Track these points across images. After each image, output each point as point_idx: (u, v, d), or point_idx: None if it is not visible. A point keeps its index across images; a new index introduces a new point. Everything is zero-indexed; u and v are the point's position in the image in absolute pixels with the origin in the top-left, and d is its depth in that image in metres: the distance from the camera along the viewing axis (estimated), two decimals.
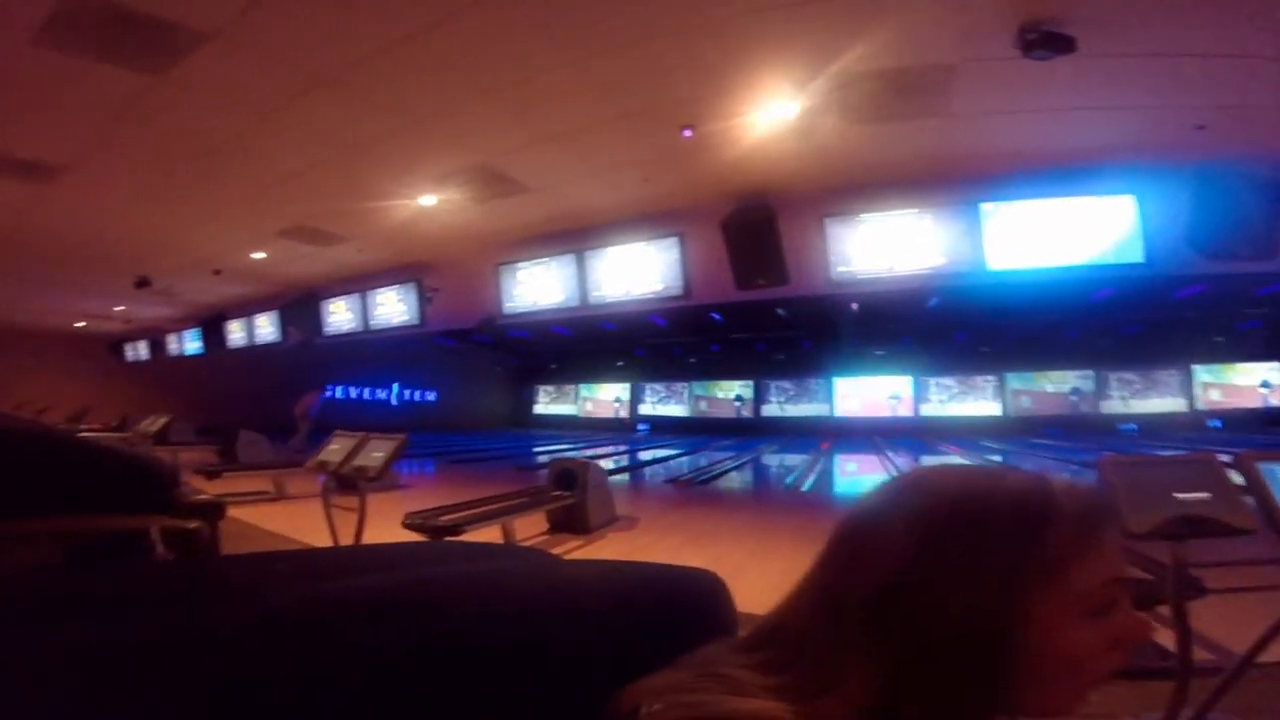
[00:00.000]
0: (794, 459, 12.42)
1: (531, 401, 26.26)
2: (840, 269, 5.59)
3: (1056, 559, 0.48)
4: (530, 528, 5.05)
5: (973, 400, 19.96)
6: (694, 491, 8.30)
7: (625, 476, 10.16)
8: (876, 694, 0.46)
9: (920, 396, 20.38)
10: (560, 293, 6.98)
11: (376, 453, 3.43)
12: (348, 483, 3.56)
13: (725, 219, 5.76)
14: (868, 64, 3.72)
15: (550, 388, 26.07)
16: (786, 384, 21.94)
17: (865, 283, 5.62)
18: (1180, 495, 1.78)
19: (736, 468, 11.22)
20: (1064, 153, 4.89)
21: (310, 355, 11.14)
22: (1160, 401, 18.55)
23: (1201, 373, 18.17)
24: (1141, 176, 5.05)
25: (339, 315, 9.11)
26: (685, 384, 23.21)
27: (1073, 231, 5.18)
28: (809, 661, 0.49)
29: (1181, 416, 17.90)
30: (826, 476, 10.32)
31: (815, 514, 6.65)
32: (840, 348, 18.91)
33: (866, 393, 20.94)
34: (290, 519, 5.47)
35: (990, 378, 19.70)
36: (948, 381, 20.19)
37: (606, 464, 10.22)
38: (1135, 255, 5.06)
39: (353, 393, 20.25)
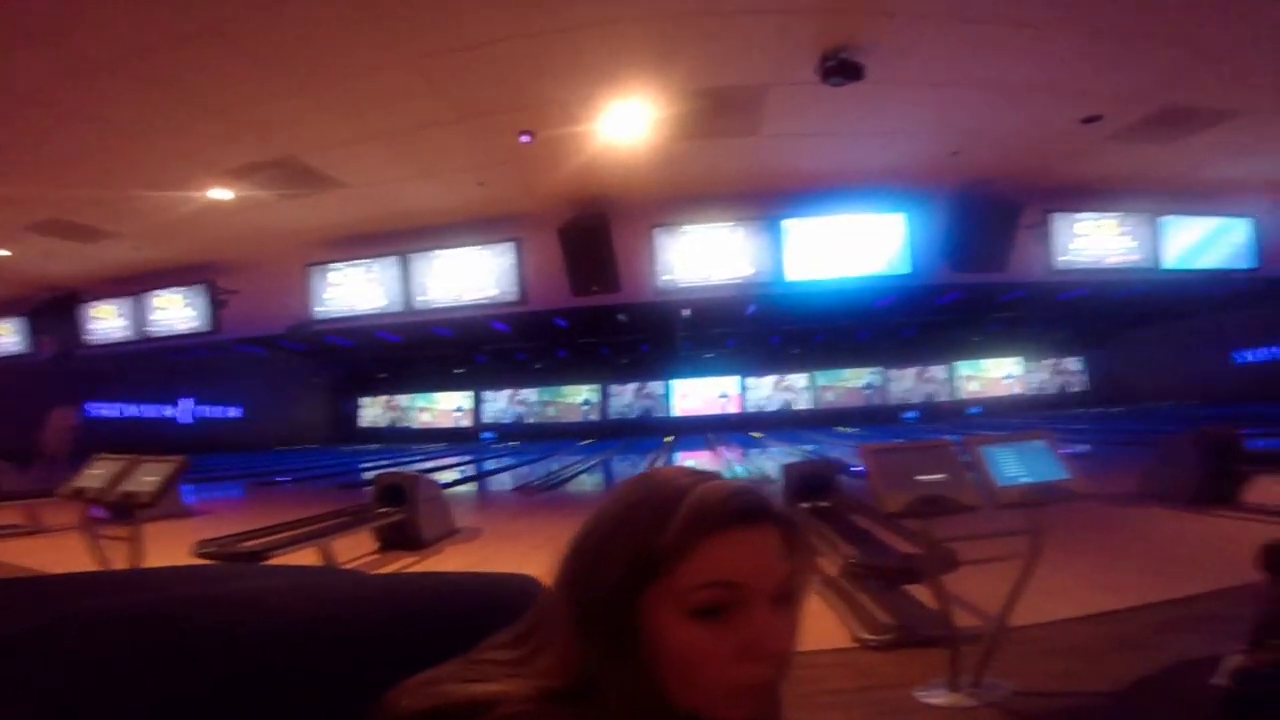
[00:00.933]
0: (639, 458, 12.84)
1: (357, 414, 24.25)
2: (665, 277, 5.94)
3: (663, 556, 0.49)
4: (357, 547, 4.72)
5: (789, 395, 22.22)
6: (542, 498, 8.24)
7: (471, 487, 9.78)
8: (570, 664, 0.51)
9: (746, 394, 22.25)
10: (382, 297, 6.57)
11: (149, 476, 2.99)
12: (122, 511, 3.07)
13: (564, 226, 5.83)
14: (696, 82, 3.99)
15: (380, 398, 24.26)
16: (631, 387, 22.68)
17: (685, 291, 6.03)
18: (923, 478, 2.10)
19: (586, 470, 11.28)
20: (852, 174, 5.62)
21: (71, 368, 9.25)
22: (932, 391, 22.15)
23: (962, 367, 22.01)
24: (910, 197, 5.98)
25: (106, 321, 7.70)
26: (532, 390, 22.96)
27: (856, 246, 6.02)
28: (541, 640, 0.53)
29: (949, 404, 21.53)
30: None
31: None
32: (676, 351, 19.95)
33: (701, 392, 22.38)
34: (53, 553, 4.63)
35: (802, 375, 22.09)
36: (768, 379, 22.27)
37: (449, 475, 9.94)
38: (904, 267, 6.01)
39: (130, 410, 17.09)
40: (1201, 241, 6.55)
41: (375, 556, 4.74)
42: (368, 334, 11.23)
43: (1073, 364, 22.11)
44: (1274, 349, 16.24)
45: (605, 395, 22.77)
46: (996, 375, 22.03)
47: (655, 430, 20.49)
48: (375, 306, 6.62)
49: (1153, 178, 5.90)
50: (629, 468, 11.44)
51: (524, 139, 4.60)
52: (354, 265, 6.67)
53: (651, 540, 0.50)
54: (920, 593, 3.25)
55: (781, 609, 0.52)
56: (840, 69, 3.67)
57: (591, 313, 10.61)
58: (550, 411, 23.05)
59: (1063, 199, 6.13)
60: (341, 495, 8.37)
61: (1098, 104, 4.51)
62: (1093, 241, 6.25)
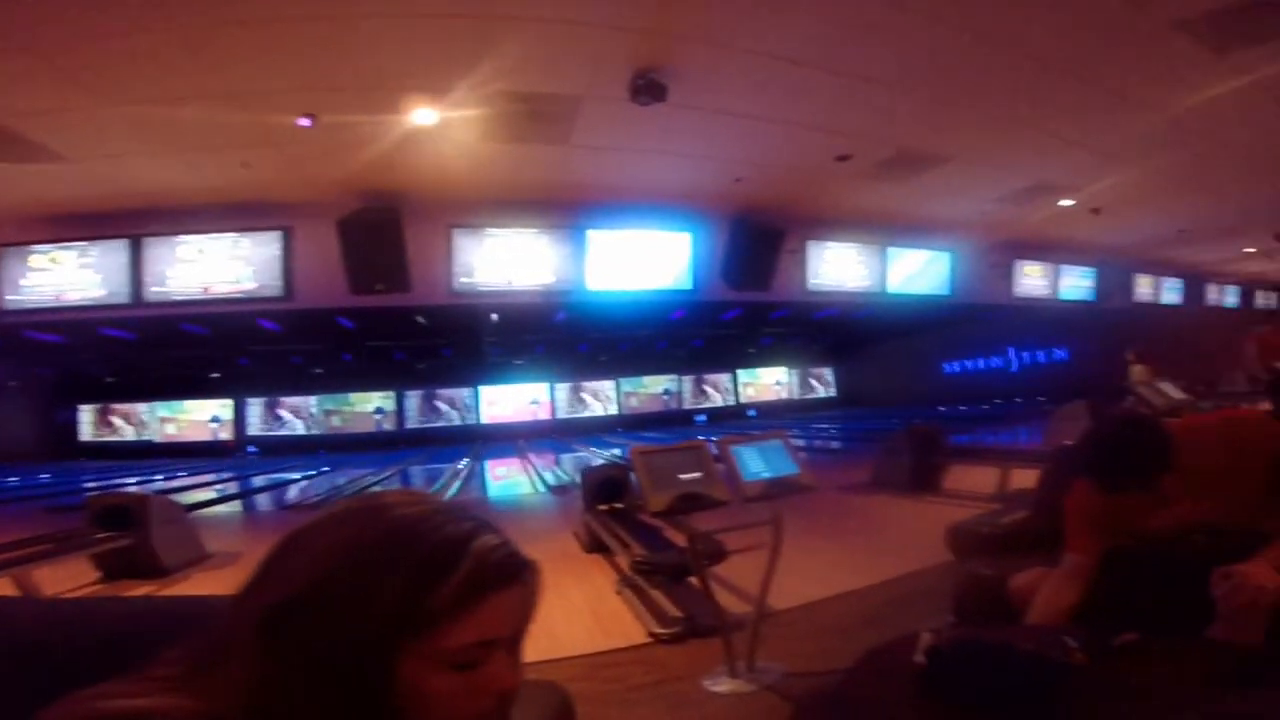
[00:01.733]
0: (440, 469, 12.16)
1: (76, 425, 19.48)
2: (463, 279, 5.71)
3: (435, 616, 0.49)
4: (75, 577, 4.02)
5: (597, 402, 22.81)
6: None
7: (231, 507, 8.48)
8: (248, 694, 0.47)
9: (556, 401, 22.32)
10: (100, 286, 5.36)
11: None
12: None
13: (345, 218, 5.30)
14: (507, 84, 3.89)
15: (111, 406, 19.72)
16: (432, 393, 21.33)
17: (486, 295, 5.86)
18: (682, 476, 2.27)
19: (377, 483, 10.49)
20: (651, 190, 5.94)
21: None
22: (719, 397, 24.42)
23: (742, 375, 24.61)
24: (697, 217, 6.50)
25: None
26: (312, 397, 20.41)
27: (649, 260, 6.38)
28: (212, 657, 0.49)
29: (731, 408, 23.90)
30: (472, 483, 10.39)
31: None
32: (483, 357, 19.28)
33: (511, 399, 21.91)
34: None
35: (609, 382, 22.83)
36: (577, 386, 22.62)
37: (204, 495, 8.80)
38: (687, 283, 6.52)
39: None
40: (916, 271, 8.10)
41: (99, 588, 4.07)
42: (87, 329, 9.03)
43: (825, 373, 26.00)
44: (965, 362, 20.81)
45: (401, 403, 21.14)
46: (768, 382, 25.05)
47: (461, 439, 19.55)
48: (92, 297, 5.36)
49: (885, 213, 7.06)
50: (423, 480, 10.76)
51: (303, 122, 4.13)
52: (65, 249, 5.35)
53: (420, 598, 0.48)
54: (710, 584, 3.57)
55: (514, 649, 0.55)
56: (648, 89, 3.84)
57: (383, 313, 9.77)
58: (335, 421, 20.73)
59: (817, 228, 7.15)
60: (50, 519, 6.64)
61: (850, 144, 5.24)
62: (837, 267, 7.40)
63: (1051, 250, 9.16)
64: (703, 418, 22.95)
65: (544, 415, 22.05)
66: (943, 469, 6.00)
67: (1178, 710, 1.07)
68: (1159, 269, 11.07)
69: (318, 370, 19.43)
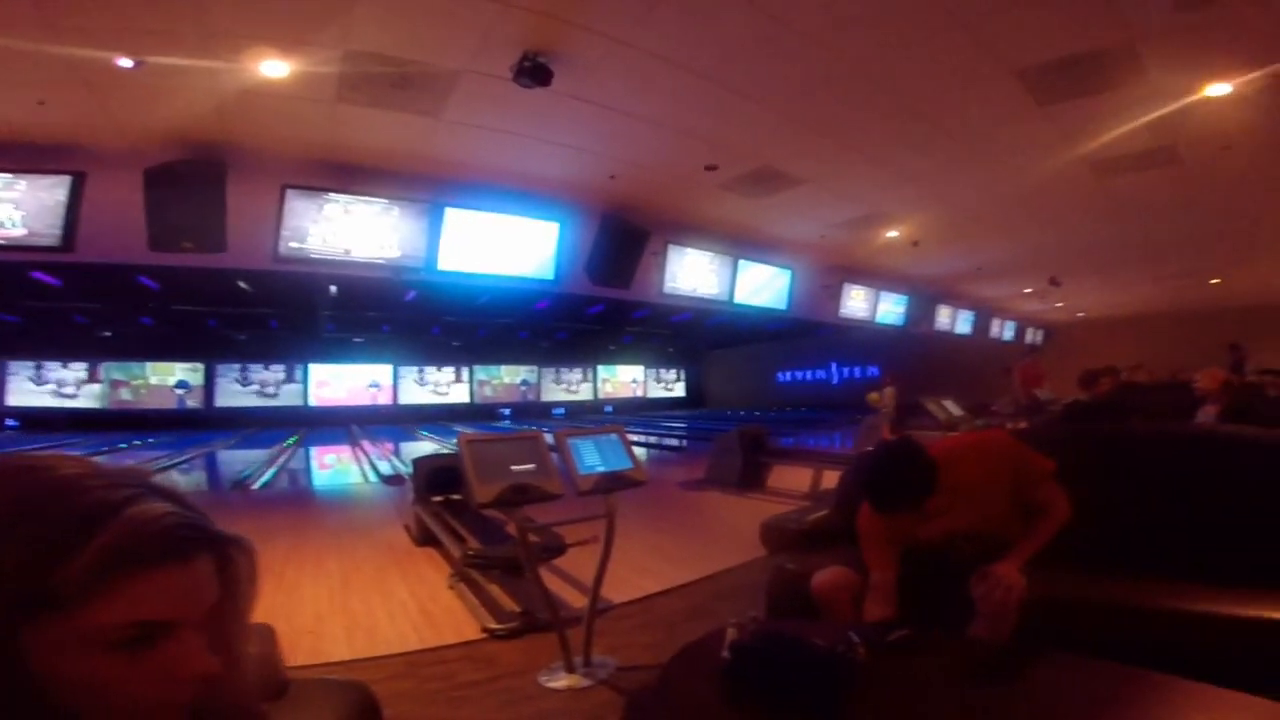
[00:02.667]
0: (254, 454, 10.89)
1: None
2: (292, 244, 5.13)
3: (64, 590, 0.42)
4: None
5: (447, 388, 21.77)
6: None
7: None
8: None
9: (400, 385, 20.95)
10: None
11: None
12: None
13: (154, 168, 4.57)
14: (375, 46, 3.56)
15: None
16: (251, 369, 18.98)
17: (317, 263, 5.33)
18: (515, 467, 2.21)
19: (172, 467, 9.31)
20: (523, 176, 5.75)
21: None
22: (579, 390, 24.51)
23: (601, 371, 24.89)
24: (567, 208, 6.41)
25: None
26: (95, 364, 17.26)
27: (511, 246, 6.19)
28: None
29: (590, 403, 24.06)
30: (292, 471, 9.46)
31: (264, 512, 5.99)
32: (317, 331, 17.53)
33: (347, 380, 20.17)
34: None
35: (462, 368, 21.90)
36: (426, 371, 21.42)
37: None
38: (549, 273, 6.42)
39: None
40: (762, 284, 8.70)
41: None
42: None
43: (677, 374, 27.23)
44: (796, 372, 22.92)
45: (211, 377, 18.59)
46: (625, 379, 25.61)
47: (284, 422, 17.61)
48: None
49: (740, 226, 7.46)
50: (233, 466, 9.56)
51: (125, 63, 3.55)
52: None
53: (43, 569, 0.41)
54: (550, 578, 3.51)
55: (220, 631, 0.49)
56: (534, 71, 3.70)
57: (195, 275, 8.50)
58: (124, 394, 17.72)
59: (679, 233, 7.40)
60: None
61: (719, 155, 5.41)
62: (693, 273, 7.72)
63: (874, 276, 10.33)
64: (561, 411, 22.83)
65: (385, 400, 20.61)
66: (768, 468, 6.53)
67: (936, 701, 1.24)
68: (957, 301, 12.93)
69: (106, 334, 16.46)
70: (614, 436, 2.43)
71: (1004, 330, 15.58)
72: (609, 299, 9.13)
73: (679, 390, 27.31)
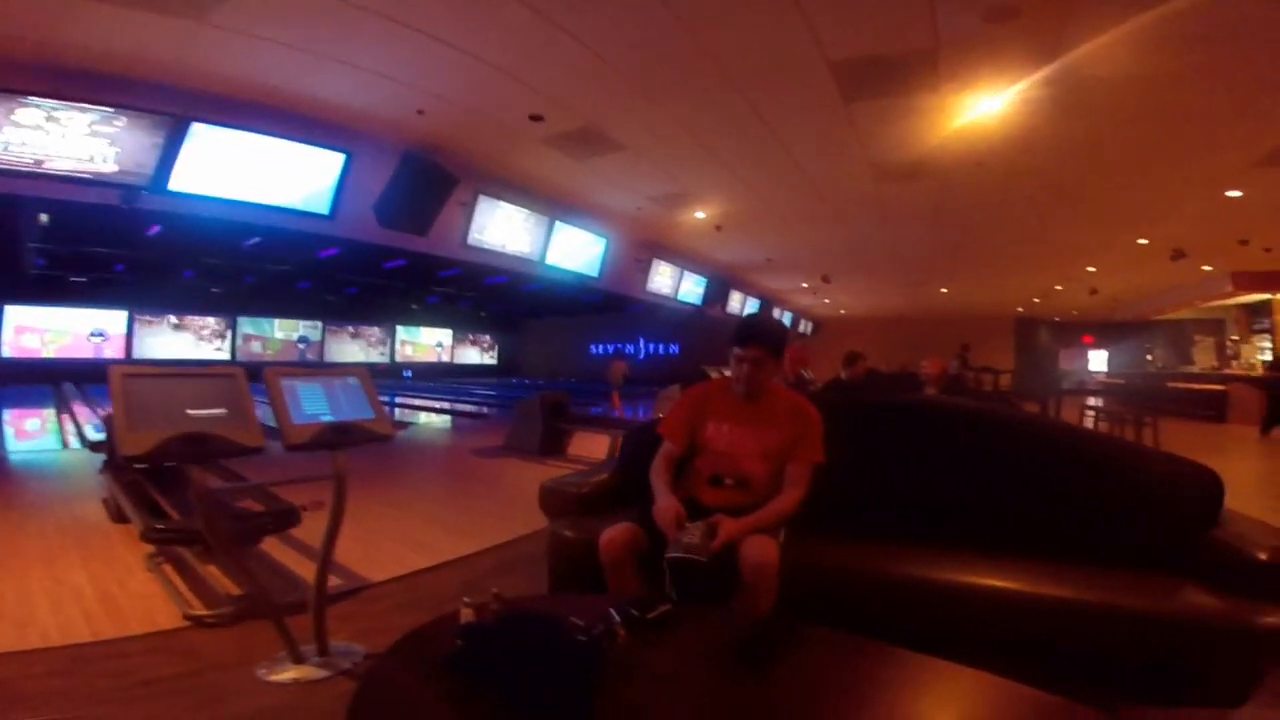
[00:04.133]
0: None
1: None
2: None
3: None
4: None
5: (199, 342, 18.38)
6: None
7: None
8: None
9: (136, 336, 17.19)
10: None
11: None
12: None
13: None
14: None
15: None
16: None
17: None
18: (192, 412, 1.69)
19: None
20: (312, 100, 4.86)
21: None
22: (372, 351, 22.37)
23: (401, 332, 23.01)
24: (361, 140, 5.51)
25: None
26: None
27: (278, 174, 5.19)
28: None
29: (385, 365, 22.12)
30: None
31: None
32: (19, 268, 13.54)
33: (58, 326, 16.05)
34: None
35: (221, 319, 18.63)
36: (172, 320, 17.82)
37: None
38: (322, 208, 5.50)
39: None
40: (575, 249, 8.48)
41: None
42: None
43: (488, 340, 26.29)
44: (607, 345, 23.50)
45: None
46: (429, 343, 24.01)
47: None
48: None
49: (558, 187, 7.16)
50: None
51: None
52: None
53: None
54: (284, 555, 2.99)
55: None
56: None
57: None
58: None
59: (494, 185, 6.86)
60: None
61: (545, 105, 5.00)
62: (503, 228, 7.24)
63: (681, 255, 10.79)
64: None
65: (112, 353, 16.79)
66: (569, 435, 6.48)
67: (686, 695, 1.11)
68: (748, 289, 14.13)
69: None
70: (353, 380, 2.01)
71: (783, 319, 17.48)
72: (412, 252, 8.24)
73: (491, 358, 26.39)
